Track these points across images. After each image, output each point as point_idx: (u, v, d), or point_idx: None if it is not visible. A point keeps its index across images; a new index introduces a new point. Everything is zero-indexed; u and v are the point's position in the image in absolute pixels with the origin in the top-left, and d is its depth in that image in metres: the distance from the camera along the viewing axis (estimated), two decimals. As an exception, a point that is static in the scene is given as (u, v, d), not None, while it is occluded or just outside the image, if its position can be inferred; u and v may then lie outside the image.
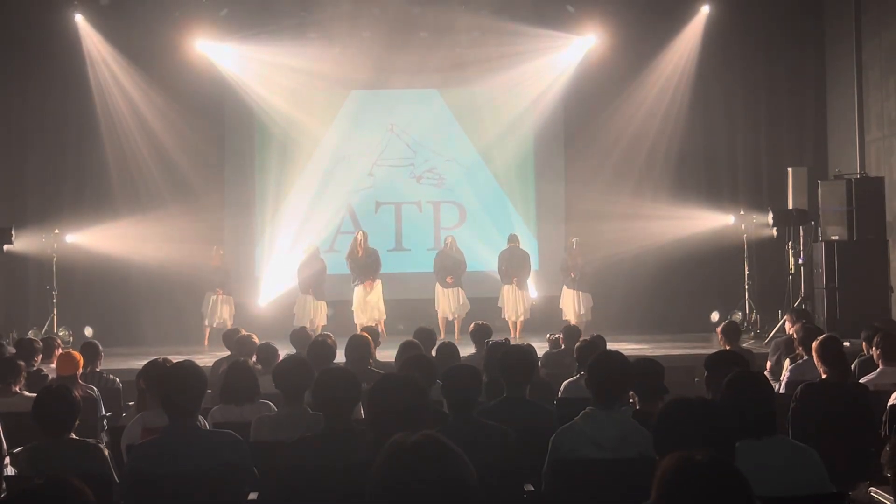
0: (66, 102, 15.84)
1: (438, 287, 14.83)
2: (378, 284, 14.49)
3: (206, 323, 14.73)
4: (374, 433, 3.84)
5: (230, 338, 9.24)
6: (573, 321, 13.86)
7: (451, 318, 14.67)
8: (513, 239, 14.94)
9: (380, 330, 12.17)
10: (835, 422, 5.86)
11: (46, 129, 15.89)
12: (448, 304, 14.70)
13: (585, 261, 14.91)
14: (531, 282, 15.21)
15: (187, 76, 15.71)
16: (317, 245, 15.16)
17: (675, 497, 2.30)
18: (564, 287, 15.01)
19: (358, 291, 14.43)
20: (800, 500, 3.75)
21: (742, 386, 3.99)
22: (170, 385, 4.72)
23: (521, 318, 14.72)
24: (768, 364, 9.53)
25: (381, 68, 15.90)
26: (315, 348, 7.36)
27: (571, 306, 14.74)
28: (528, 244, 15.49)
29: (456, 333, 14.25)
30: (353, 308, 14.40)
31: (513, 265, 14.74)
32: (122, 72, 15.72)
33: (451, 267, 14.81)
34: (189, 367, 4.87)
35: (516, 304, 14.68)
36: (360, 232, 14.78)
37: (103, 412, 7.57)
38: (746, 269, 15.10)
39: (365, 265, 14.44)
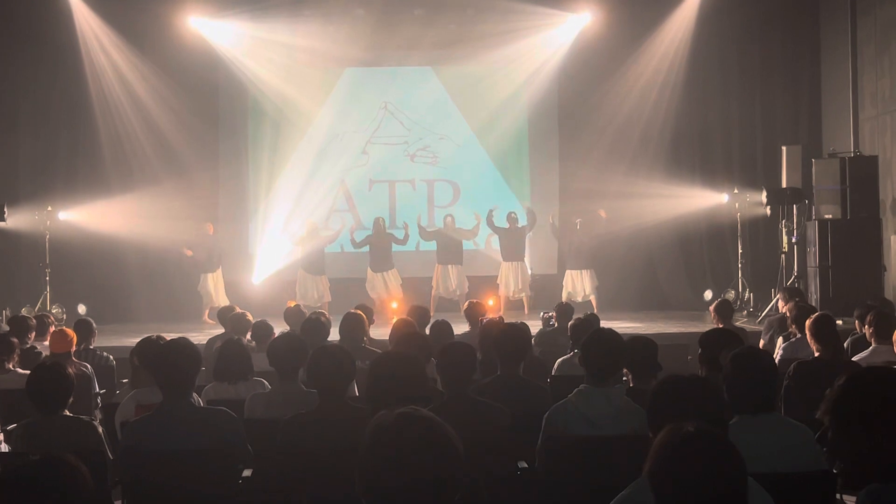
0: (58, 79, 15.76)
1: (437, 265, 14.84)
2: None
3: (206, 302, 14.74)
4: (371, 410, 3.85)
5: (224, 315, 9.24)
6: (580, 298, 14.03)
7: (455, 297, 14.61)
8: (511, 219, 14.92)
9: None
10: (827, 399, 5.88)
11: (39, 105, 15.82)
12: (447, 282, 14.70)
13: (589, 240, 14.88)
14: (526, 259, 15.22)
15: (181, 53, 15.61)
16: (315, 222, 15.18)
17: (667, 468, 2.31)
18: (567, 270, 15.00)
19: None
20: (793, 477, 3.77)
21: (747, 361, 4.00)
22: (164, 362, 4.72)
23: (525, 294, 14.75)
24: (761, 342, 9.56)
25: (375, 46, 15.84)
26: (309, 326, 7.37)
27: (579, 285, 14.74)
28: (521, 222, 15.47)
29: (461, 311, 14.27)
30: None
31: (513, 241, 14.76)
32: (116, 48, 15.62)
33: (450, 246, 14.81)
34: (183, 344, 4.87)
35: (517, 281, 14.68)
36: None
37: (97, 389, 7.57)
38: (740, 247, 15.13)
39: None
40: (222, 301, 14.05)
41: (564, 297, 14.32)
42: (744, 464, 2.32)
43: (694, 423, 2.38)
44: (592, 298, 14.55)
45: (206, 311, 14.56)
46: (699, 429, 2.36)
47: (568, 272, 14.97)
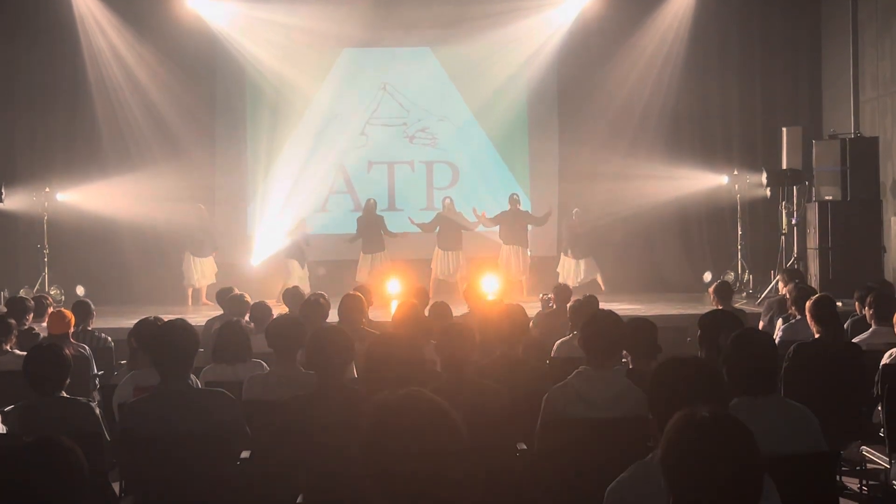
0: (56, 60, 15.69)
1: (436, 249, 14.79)
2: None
3: (187, 283, 14.77)
4: (368, 392, 3.84)
5: (223, 297, 9.22)
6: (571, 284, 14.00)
7: (453, 280, 14.57)
8: (513, 200, 14.85)
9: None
10: (827, 381, 5.88)
11: (36, 86, 15.75)
12: (446, 266, 14.66)
13: (584, 230, 14.89)
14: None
15: (178, 33, 15.56)
16: (303, 217, 15.20)
17: (683, 455, 2.29)
18: (563, 256, 15.01)
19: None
20: (793, 458, 3.75)
21: (747, 343, 3.97)
22: (161, 344, 4.70)
23: (524, 277, 14.73)
24: (761, 324, 9.55)
25: (373, 26, 15.76)
26: (308, 307, 7.35)
27: (571, 274, 14.75)
28: (523, 204, 15.43)
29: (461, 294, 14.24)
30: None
31: (517, 225, 14.70)
32: (113, 29, 15.57)
33: (450, 231, 14.77)
34: (180, 325, 4.84)
35: (518, 264, 14.64)
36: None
37: (95, 371, 7.56)
38: (739, 229, 15.10)
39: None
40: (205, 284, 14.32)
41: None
42: (759, 448, 2.29)
43: (707, 408, 2.35)
44: (598, 277, 14.58)
45: (190, 292, 14.64)
46: (714, 413, 2.33)
47: (563, 259, 14.98)
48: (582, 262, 14.80)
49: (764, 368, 3.94)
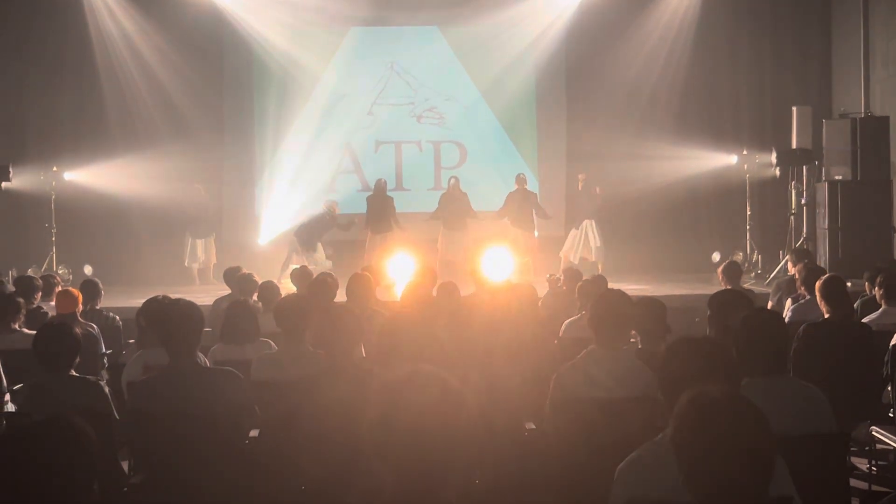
0: (63, 39, 15.66)
1: (442, 229, 14.70)
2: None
3: (188, 264, 14.83)
4: (380, 369, 3.83)
5: (231, 276, 9.22)
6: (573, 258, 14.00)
7: (459, 261, 14.49)
8: (520, 180, 14.72)
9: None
10: (837, 362, 5.86)
11: (44, 66, 15.73)
12: (452, 246, 14.58)
13: (588, 197, 14.79)
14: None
15: (185, 12, 15.52)
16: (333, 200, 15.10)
17: (694, 434, 2.28)
18: (573, 230, 14.91)
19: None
20: (803, 438, 3.74)
21: (758, 323, 3.95)
22: (168, 323, 4.70)
23: (530, 258, 14.61)
24: (769, 304, 9.51)
25: (381, 5, 15.73)
26: (316, 286, 7.34)
27: (579, 246, 14.68)
28: (529, 184, 15.35)
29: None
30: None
31: (525, 208, 14.59)
32: (121, 8, 15.57)
33: (456, 213, 14.66)
34: (185, 304, 4.85)
35: (525, 245, 14.53)
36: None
37: (103, 350, 7.57)
38: (748, 209, 15.05)
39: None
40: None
41: (563, 258, 14.33)
42: (770, 427, 2.28)
43: (718, 388, 2.33)
44: (600, 266, 14.46)
45: (196, 272, 14.70)
46: (725, 393, 2.32)
47: (573, 232, 14.90)
48: (586, 228, 14.67)
49: (775, 349, 3.92)
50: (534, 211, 14.66)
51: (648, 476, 2.87)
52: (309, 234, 14.35)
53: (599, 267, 14.20)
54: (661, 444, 2.84)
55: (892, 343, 5.89)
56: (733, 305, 4.99)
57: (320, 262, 14.12)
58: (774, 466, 2.27)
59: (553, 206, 15.38)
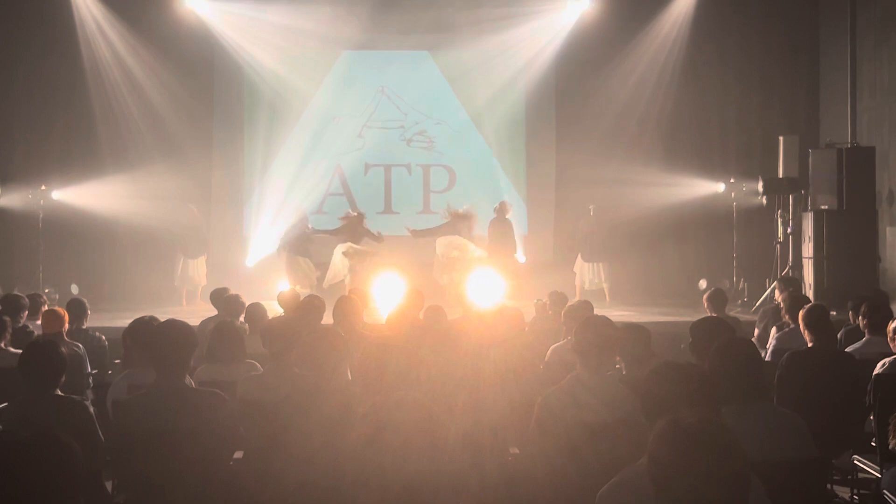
0: (54, 57, 15.68)
1: (437, 255, 14.59)
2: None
3: (179, 284, 14.77)
4: (365, 395, 3.85)
5: (218, 297, 9.21)
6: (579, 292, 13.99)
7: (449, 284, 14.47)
8: (498, 210, 14.55)
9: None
10: (820, 390, 5.89)
11: (34, 84, 15.74)
12: (444, 272, 14.53)
13: (600, 226, 14.82)
14: (519, 247, 15.10)
15: (176, 33, 15.57)
16: (304, 210, 15.04)
17: (669, 460, 2.30)
18: (579, 257, 14.94)
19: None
20: (782, 463, 3.77)
21: (730, 351, 4.01)
22: (161, 342, 4.70)
23: (516, 283, 14.53)
24: (756, 332, 9.56)
25: (371, 29, 15.78)
26: (303, 309, 7.35)
27: (587, 276, 14.71)
28: (518, 208, 15.41)
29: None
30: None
31: (502, 238, 14.53)
32: (111, 27, 15.59)
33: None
34: (180, 324, 4.86)
35: (510, 270, 14.45)
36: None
37: (89, 369, 7.55)
38: (735, 237, 15.12)
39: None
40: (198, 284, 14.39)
41: (577, 286, 14.32)
42: (745, 454, 2.31)
43: (694, 414, 2.36)
44: (605, 287, 14.55)
45: (184, 292, 14.61)
46: (700, 419, 2.34)
47: (579, 262, 14.88)
48: (599, 268, 14.71)
49: (747, 374, 3.98)
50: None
51: (629, 501, 2.88)
52: (291, 242, 14.29)
53: (606, 294, 14.32)
54: (642, 469, 2.86)
55: (875, 372, 5.92)
56: (715, 333, 5.03)
57: (309, 271, 14.11)
58: (749, 491, 2.30)
59: (541, 229, 15.45)
